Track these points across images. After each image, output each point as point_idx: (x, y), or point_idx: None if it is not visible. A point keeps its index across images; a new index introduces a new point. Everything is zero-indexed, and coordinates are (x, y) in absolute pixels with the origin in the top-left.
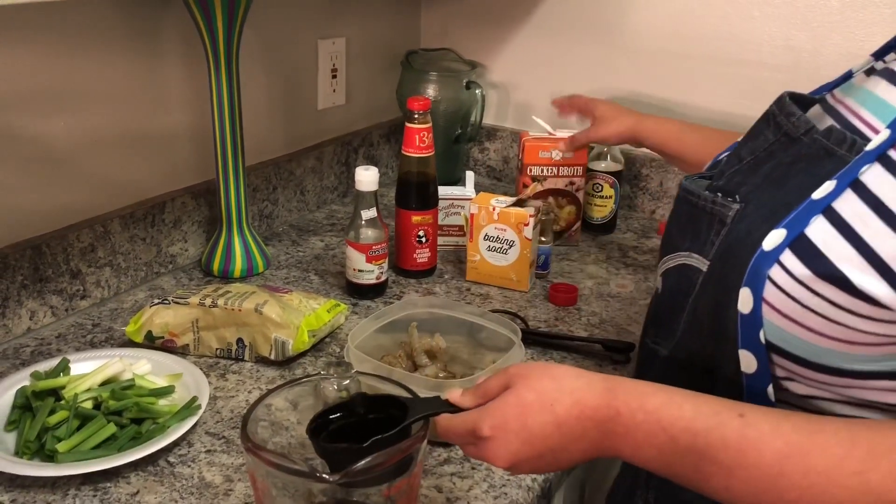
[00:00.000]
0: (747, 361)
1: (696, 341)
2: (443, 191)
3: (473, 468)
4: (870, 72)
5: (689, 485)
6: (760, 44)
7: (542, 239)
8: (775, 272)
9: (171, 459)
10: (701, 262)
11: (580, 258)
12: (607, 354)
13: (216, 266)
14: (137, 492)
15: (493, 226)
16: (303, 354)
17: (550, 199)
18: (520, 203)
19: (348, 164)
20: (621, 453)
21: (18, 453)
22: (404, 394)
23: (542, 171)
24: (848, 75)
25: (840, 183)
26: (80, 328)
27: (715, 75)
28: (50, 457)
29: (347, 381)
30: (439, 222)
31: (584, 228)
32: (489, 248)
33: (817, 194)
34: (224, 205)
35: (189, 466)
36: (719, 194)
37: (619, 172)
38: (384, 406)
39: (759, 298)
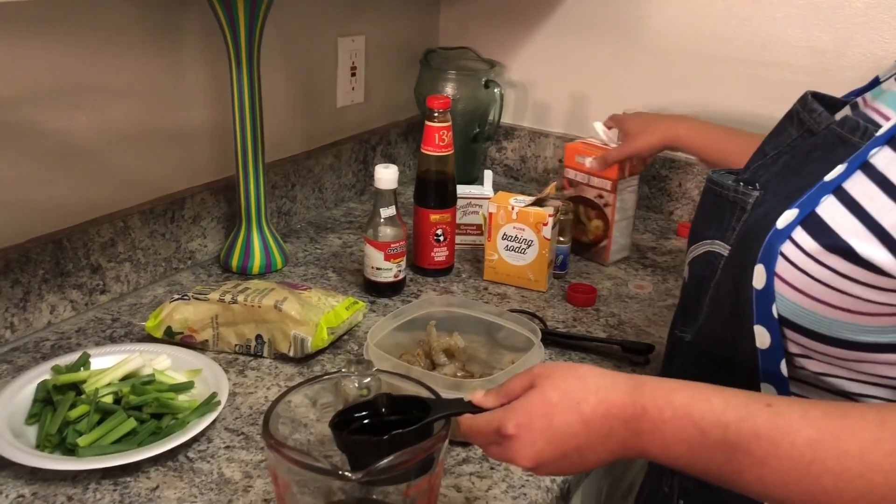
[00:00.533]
0: (762, 338)
1: (717, 323)
2: (461, 189)
3: (492, 468)
4: None
5: (719, 480)
6: (783, 45)
7: (561, 239)
8: (787, 248)
9: (191, 455)
10: (723, 248)
11: None
12: (626, 356)
13: (235, 262)
14: (157, 486)
15: (511, 225)
16: (321, 351)
17: (581, 208)
18: (539, 202)
19: (366, 162)
20: (648, 452)
21: (40, 447)
22: (426, 393)
23: (575, 175)
24: (875, 81)
25: (850, 165)
26: (99, 323)
27: (736, 76)
28: (71, 450)
29: (368, 380)
30: (457, 221)
31: None
32: (507, 248)
33: (829, 177)
34: (243, 201)
35: (208, 462)
36: (741, 184)
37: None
38: (407, 406)
39: (771, 274)
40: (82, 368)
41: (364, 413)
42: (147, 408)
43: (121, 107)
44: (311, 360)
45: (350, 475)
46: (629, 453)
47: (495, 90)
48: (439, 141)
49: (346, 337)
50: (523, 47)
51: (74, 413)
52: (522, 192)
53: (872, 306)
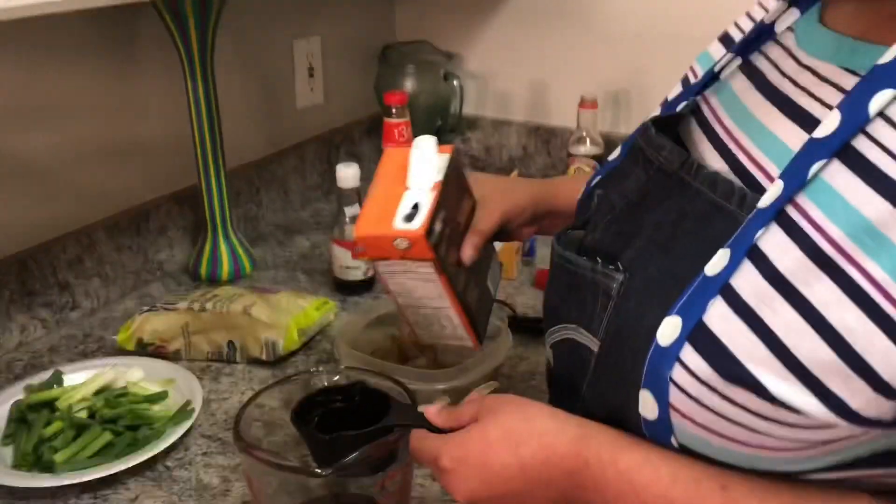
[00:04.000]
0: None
1: (597, 413)
2: None
3: None
4: (749, 71)
5: None
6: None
7: None
8: (678, 374)
9: (169, 463)
10: (590, 341)
11: None
12: None
13: (203, 271)
14: (137, 497)
15: None
16: (294, 353)
17: None
18: None
19: (330, 161)
20: None
21: (16, 466)
22: (402, 392)
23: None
24: (713, 70)
25: (735, 252)
26: (71, 339)
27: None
28: (48, 468)
29: (337, 377)
30: None
31: None
32: None
33: (711, 269)
34: (208, 209)
35: (186, 469)
36: (599, 260)
37: (599, 155)
38: (379, 401)
39: (665, 403)
40: (55, 386)
41: (337, 398)
42: (122, 420)
43: (78, 123)
44: (285, 363)
45: (319, 471)
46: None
47: (455, 82)
48: (399, 137)
49: (318, 337)
50: (480, 37)
51: (50, 430)
52: None
53: (799, 443)
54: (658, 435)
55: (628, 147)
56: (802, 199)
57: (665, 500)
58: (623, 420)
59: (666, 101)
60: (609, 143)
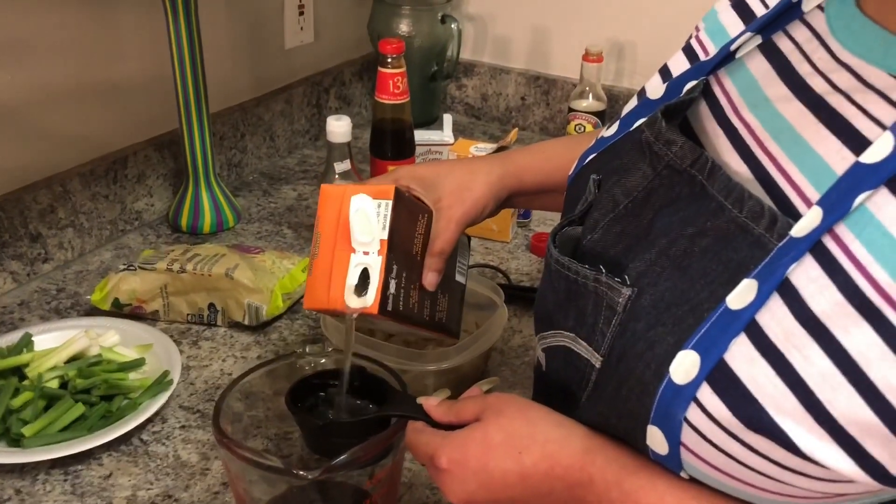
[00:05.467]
0: (660, 447)
1: (598, 424)
2: (420, 136)
3: None
4: (769, 52)
5: None
6: None
7: None
8: (693, 414)
9: (145, 437)
10: (591, 355)
11: None
12: None
13: (184, 222)
14: (111, 474)
15: None
16: (278, 318)
17: None
18: (501, 150)
19: (319, 105)
20: None
21: None
22: (395, 380)
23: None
24: (728, 48)
25: (763, 285)
26: (44, 294)
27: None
28: (16, 441)
29: (324, 360)
30: None
31: None
32: None
33: (735, 302)
34: (189, 157)
35: (164, 444)
36: (603, 269)
37: (602, 112)
38: (375, 386)
39: (675, 442)
40: (25, 350)
41: (334, 382)
42: (96, 390)
43: (49, 63)
44: (268, 328)
45: (305, 474)
46: None
47: (452, 25)
48: (394, 88)
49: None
50: None
51: (18, 401)
52: (484, 135)
53: (818, 493)
54: (666, 466)
55: (628, 131)
56: (843, 231)
57: None
58: (628, 443)
59: (668, 72)
60: (612, 98)
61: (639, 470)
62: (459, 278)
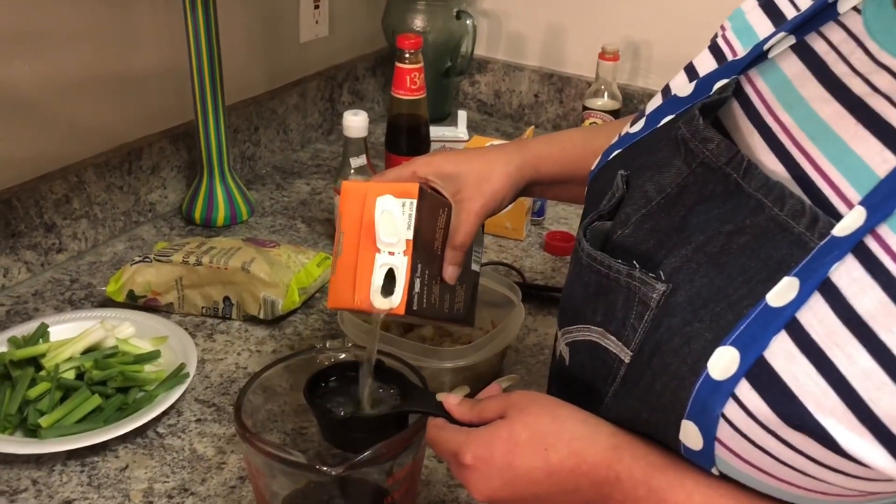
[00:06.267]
0: (694, 440)
1: (626, 420)
2: (434, 132)
3: None
4: (803, 53)
5: None
6: None
7: None
8: (731, 410)
9: (161, 430)
10: (621, 350)
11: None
12: None
13: (198, 214)
14: (126, 466)
15: None
16: (293, 312)
17: None
18: None
19: (333, 99)
20: None
21: None
22: (416, 377)
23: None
24: (761, 48)
25: (805, 283)
26: (57, 284)
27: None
28: (33, 432)
29: (343, 356)
30: None
31: None
32: None
33: (775, 299)
34: (204, 149)
35: (179, 437)
36: (636, 265)
37: (616, 111)
38: (395, 382)
39: (710, 437)
40: (41, 340)
41: (352, 373)
42: (112, 382)
43: (66, 53)
44: (283, 322)
45: (328, 470)
46: None
47: (467, 21)
48: (411, 84)
49: (318, 295)
50: None
51: (34, 392)
52: (496, 132)
53: (854, 492)
54: (698, 462)
55: (655, 127)
56: (885, 232)
57: None
58: (658, 438)
59: (694, 71)
60: (627, 98)
61: (666, 468)
62: (475, 267)
